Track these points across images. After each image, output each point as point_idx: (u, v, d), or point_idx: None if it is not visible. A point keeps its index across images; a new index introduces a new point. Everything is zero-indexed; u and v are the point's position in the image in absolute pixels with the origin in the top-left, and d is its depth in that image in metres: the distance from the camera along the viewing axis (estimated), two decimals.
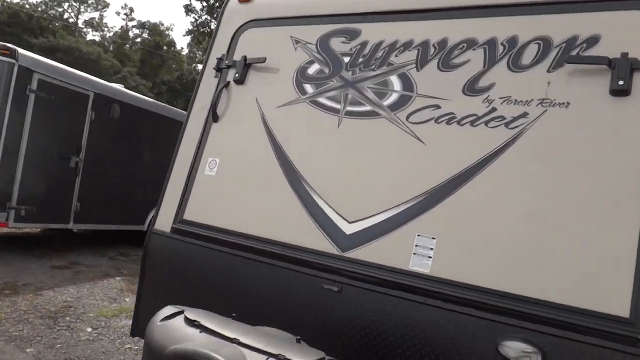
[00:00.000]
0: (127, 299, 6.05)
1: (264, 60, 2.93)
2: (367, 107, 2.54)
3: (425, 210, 2.25)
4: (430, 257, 2.18)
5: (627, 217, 1.86)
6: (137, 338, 4.66)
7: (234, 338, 1.66)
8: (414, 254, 2.21)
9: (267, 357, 1.57)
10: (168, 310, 1.93)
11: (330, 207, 2.48)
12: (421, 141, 2.35)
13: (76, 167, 7.88)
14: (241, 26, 3.14)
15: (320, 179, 2.56)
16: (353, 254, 2.36)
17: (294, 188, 2.62)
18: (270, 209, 2.67)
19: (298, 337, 1.87)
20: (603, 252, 1.88)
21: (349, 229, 2.41)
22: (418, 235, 2.23)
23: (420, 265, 2.18)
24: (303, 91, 2.77)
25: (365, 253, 2.33)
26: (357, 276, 2.31)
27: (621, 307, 1.79)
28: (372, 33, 2.67)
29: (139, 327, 3.07)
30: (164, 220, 3.01)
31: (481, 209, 2.13)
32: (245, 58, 3.00)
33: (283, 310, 2.47)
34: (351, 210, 2.43)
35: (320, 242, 2.45)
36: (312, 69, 2.79)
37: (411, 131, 2.38)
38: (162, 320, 1.83)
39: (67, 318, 5.06)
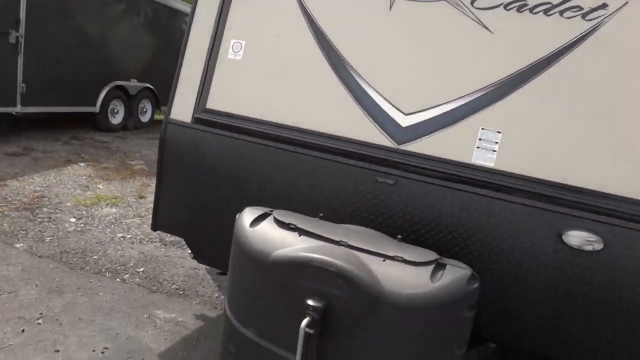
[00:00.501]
0: (99, 186, 5.79)
1: None
2: None
3: (490, 104, 2.19)
4: (495, 151, 2.17)
5: None
6: (126, 226, 4.57)
7: (340, 240, 1.61)
8: (478, 147, 2.20)
9: (383, 259, 1.55)
10: (251, 212, 1.82)
11: (384, 97, 2.36)
12: (488, 29, 2.21)
13: (17, 43, 6.95)
14: None
15: (370, 67, 2.39)
16: (410, 147, 2.30)
17: (339, 76, 2.45)
18: (312, 99, 2.51)
19: (399, 236, 1.86)
20: None
21: (405, 121, 2.33)
22: (482, 129, 2.19)
23: (484, 159, 2.18)
24: None
25: (422, 146, 2.29)
26: (414, 169, 2.28)
27: None
28: None
29: (160, 222, 2.95)
30: (181, 109, 2.77)
31: (550, 104, 2.10)
32: None
33: (330, 206, 2.44)
34: (407, 101, 2.32)
35: (372, 135, 2.37)
36: None
37: (477, 18, 2.23)
38: (252, 224, 1.73)
39: (45, 209, 4.79)
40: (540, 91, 2.12)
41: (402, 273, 1.51)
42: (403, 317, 1.48)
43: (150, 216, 4.90)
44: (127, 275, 3.67)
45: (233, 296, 1.71)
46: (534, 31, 2.14)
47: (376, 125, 2.37)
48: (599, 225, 2.01)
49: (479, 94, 2.21)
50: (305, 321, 1.44)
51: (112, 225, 4.62)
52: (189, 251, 3.18)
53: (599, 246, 2.00)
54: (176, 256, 4.12)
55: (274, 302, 1.57)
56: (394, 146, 2.33)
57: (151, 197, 5.51)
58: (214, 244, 2.81)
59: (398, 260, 1.56)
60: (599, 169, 2.03)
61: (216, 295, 3.56)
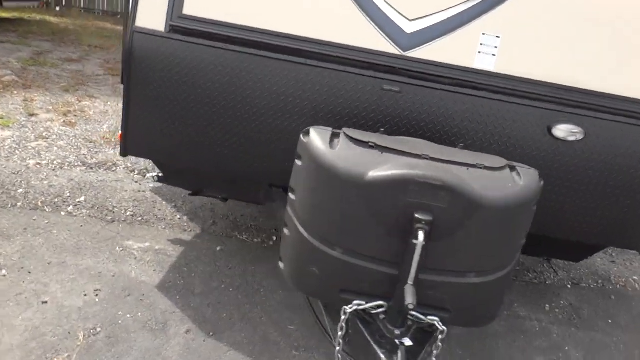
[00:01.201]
0: None
1: None
2: None
3: (490, 9, 2.30)
4: (494, 55, 2.33)
5: None
6: (34, 150, 4.02)
7: (422, 154, 1.66)
8: (479, 52, 2.33)
9: (466, 167, 1.65)
10: (321, 133, 1.75)
11: (387, 3, 2.32)
12: None
13: None
14: None
15: None
16: (415, 53, 2.35)
17: None
18: (308, 3, 2.36)
19: (461, 144, 1.95)
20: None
21: (409, 27, 2.34)
22: (483, 34, 2.32)
23: (485, 63, 2.34)
24: None
25: (427, 52, 2.35)
26: (420, 75, 2.36)
27: None
28: None
29: (131, 146, 2.66)
30: (150, 16, 2.40)
31: (543, 9, 2.29)
32: None
33: (336, 116, 2.43)
34: (411, 7, 2.33)
35: (377, 42, 2.35)
36: None
37: None
38: (330, 145, 1.67)
39: None
40: None
41: (489, 178, 1.65)
42: (497, 217, 1.66)
43: (56, 138, 4.36)
44: (71, 208, 3.30)
45: (312, 218, 1.71)
46: None
47: (380, 31, 2.34)
48: (582, 119, 2.35)
49: (479, 1, 2.30)
50: (421, 235, 1.54)
51: (18, 152, 3.99)
52: (143, 174, 2.96)
53: (580, 136, 2.36)
54: (111, 180, 3.78)
55: (371, 220, 1.62)
56: (399, 53, 2.36)
57: (44, 114, 4.84)
58: (195, 164, 2.66)
59: (480, 168, 1.70)
60: (584, 68, 2.33)
61: (178, 217, 3.41)
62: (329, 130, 1.84)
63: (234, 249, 3.14)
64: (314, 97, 2.42)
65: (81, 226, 3.10)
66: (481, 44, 2.32)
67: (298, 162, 1.81)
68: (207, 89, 2.45)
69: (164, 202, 3.57)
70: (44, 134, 4.41)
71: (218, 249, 3.11)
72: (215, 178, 2.88)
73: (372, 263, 1.68)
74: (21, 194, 3.36)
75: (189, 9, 2.38)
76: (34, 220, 3.08)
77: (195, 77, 2.44)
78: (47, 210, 3.23)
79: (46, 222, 3.08)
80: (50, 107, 5.08)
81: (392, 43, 2.35)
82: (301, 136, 1.85)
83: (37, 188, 3.47)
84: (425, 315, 1.82)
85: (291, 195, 1.84)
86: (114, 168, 3.97)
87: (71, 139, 4.40)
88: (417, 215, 1.57)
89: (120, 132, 2.67)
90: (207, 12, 2.38)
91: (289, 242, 1.84)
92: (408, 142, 1.91)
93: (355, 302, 1.75)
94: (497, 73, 2.34)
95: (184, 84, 2.46)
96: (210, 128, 2.54)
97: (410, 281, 1.66)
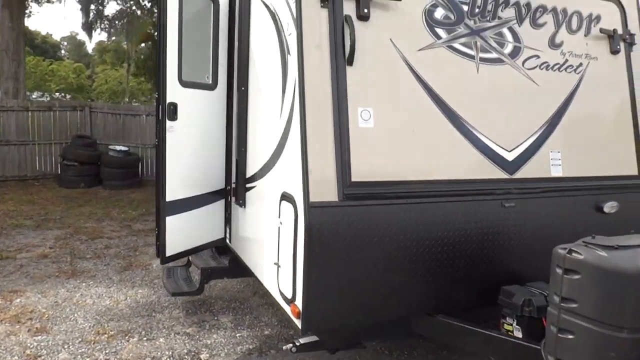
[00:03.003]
0: None
1: None
2: (494, 55, 3.04)
3: (550, 133, 3.16)
4: (560, 165, 3.17)
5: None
6: None
7: None
8: (552, 165, 3.15)
9: None
10: (587, 250, 2.15)
11: (491, 140, 2.96)
12: (535, 83, 3.15)
13: None
14: None
15: (476, 117, 2.93)
16: (518, 174, 3.02)
17: (456, 128, 2.87)
18: (439, 151, 2.83)
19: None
20: None
21: (510, 156, 3.02)
22: (551, 151, 3.15)
23: (557, 171, 3.16)
24: (437, 35, 2.88)
25: (524, 172, 3.05)
26: (524, 190, 3.03)
27: None
28: None
29: (313, 319, 2.55)
30: (323, 190, 2.50)
31: (577, 125, 3.25)
32: None
33: (479, 237, 2.88)
34: (507, 141, 3.02)
35: (491, 170, 2.95)
36: (439, 13, 2.90)
37: (528, 75, 3.13)
38: (607, 251, 2.09)
39: None
40: (571, 117, 3.23)
41: None
42: None
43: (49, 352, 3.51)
44: None
45: (603, 313, 2.11)
46: (557, 82, 3.23)
47: (492, 163, 2.96)
48: (617, 196, 3.32)
49: (543, 128, 3.14)
50: None
51: None
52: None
53: (617, 208, 3.32)
54: None
55: None
56: (508, 177, 2.99)
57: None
58: (372, 316, 2.71)
59: None
60: (609, 162, 3.32)
61: None
62: (583, 243, 2.30)
63: None
64: (462, 225, 2.84)
65: None
66: (552, 159, 3.14)
67: (575, 276, 2.21)
68: (382, 241, 2.63)
69: None
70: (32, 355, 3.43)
71: None
72: (376, 325, 2.90)
73: None
74: None
75: (356, 177, 2.58)
76: None
77: (371, 233, 2.60)
78: None
79: None
80: None
81: (502, 170, 2.98)
82: (571, 255, 2.25)
83: None
84: None
85: (571, 305, 2.20)
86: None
87: (65, 346, 3.55)
88: None
89: (293, 308, 2.55)
90: (371, 176, 2.62)
91: (579, 342, 2.18)
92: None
93: None
94: (564, 177, 3.17)
95: (362, 242, 2.59)
96: (386, 276, 2.67)
97: None
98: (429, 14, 2.86)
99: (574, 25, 3.31)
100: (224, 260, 4.23)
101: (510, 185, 2.97)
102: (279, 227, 2.81)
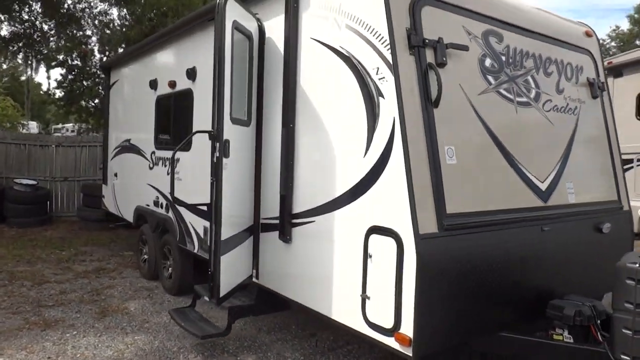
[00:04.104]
0: None
1: (467, 48, 3.06)
2: (525, 99, 3.50)
3: (565, 166, 3.70)
4: (574, 193, 3.71)
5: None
6: None
7: None
8: (569, 193, 3.67)
9: None
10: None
11: (530, 172, 3.40)
12: (551, 123, 3.68)
13: None
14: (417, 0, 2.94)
15: (519, 153, 3.35)
16: (550, 202, 3.49)
17: (509, 163, 3.26)
18: (499, 183, 3.20)
19: None
20: None
21: (543, 186, 3.47)
22: (566, 182, 3.68)
23: (573, 198, 3.69)
24: (489, 81, 3.27)
25: (553, 200, 3.52)
26: (555, 216, 3.50)
27: None
28: (509, 39, 3.49)
29: (424, 343, 2.69)
30: (425, 222, 2.70)
31: (578, 159, 3.83)
32: (441, 40, 2.96)
33: (530, 257, 3.27)
34: (540, 172, 3.47)
35: (533, 199, 3.38)
36: (488, 62, 3.29)
37: (546, 116, 3.65)
38: None
39: None
40: (577, 150, 3.80)
41: None
42: None
43: None
44: None
45: None
46: (565, 121, 3.80)
47: (533, 192, 3.38)
48: (609, 218, 3.96)
49: (560, 161, 3.67)
50: None
51: None
52: None
53: (610, 229, 3.94)
54: None
55: None
56: (544, 204, 3.44)
57: None
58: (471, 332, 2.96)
59: None
60: (599, 188, 3.96)
61: None
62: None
63: None
64: (521, 248, 3.21)
65: None
66: (568, 188, 3.67)
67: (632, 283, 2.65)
68: (473, 266, 2.90)
69: None
70: None
71: None
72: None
73: None
74: None
75: (450, 209, 2.82)
76: None
77: (464, 259, 2.88)
78: None
79: None
80: None
81: (540, 199, 3.42)
82: (632, 265, 2.69)
83: None
84: None
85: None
86: None
87: None
88: None
89: (399, 336, 2.66)
90: (460, 208, 2.89)
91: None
92: None
93: None
94: (577, 203, 3.71)
95: (458, 268, 2.83)
96: (477, 297, 2.94)
97: None
98: (481, 62, 3.23)
99: (569, 74, 3.93)
100: (243, 298, 4.13)
101: (546, 212, 3.42)
102: (365, 260, 2.90)
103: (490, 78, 3.27)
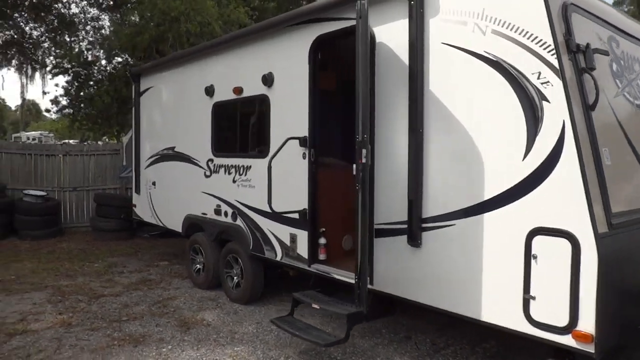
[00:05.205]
0: None
1: (607, 53, 3.17)
2: (638, 101, 3.65)
3: None
4: None
5: None
6: None
7: None
8: None
9: None
10: None
11: None
12: None
13: None
14: (566, 5, 3.03)
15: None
16: None
17: (638, 161, 3.39)
18: (636, 182, 3.32)
19: None
20: None
21: None
22: None
23: None
24: (617, 85, 3.39)
25: None
26: None
27: None
28: (623, 45, 3.63)
29: (606, 338, 2.76)
30: (599, 222, 2.78)
31: None
32: (589, 45, 3.05)
33: None
34: None
35: None
36: (614, 67, 3.41)
37: None
38: None
39: None
40: None
41: None
42: None
43: None
44: None
45: None
46: None
47: None
48: None
49: None
50: None
51: None
52: None
53: None
54: None
55: None
56: None
57: None
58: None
59: None
60: None
61: None
62: None
63: None
64: None
65: None
66: None
67: None
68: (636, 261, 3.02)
69: None
70: None
71: None
72: None
73: None
74: None
75: (614, 208, 2.91)
76: None
77: (630, 255, 3.00)
78: None
79: None
80: None
81: None
82: None
83: None
84: None
85: None
86: None
87: None
88: None
89: (578, 334, 2.73)
90: (620, 206, 2.99)
91: None
92: None
93: None
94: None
95: (627, 264, 2.95)
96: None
97: None
98: (611, 67, 3.36)
99: None
100: (351, 304, 4.11)
101: None
102: (528, 261, 2.94)
103: (618, 82, 3.40)
